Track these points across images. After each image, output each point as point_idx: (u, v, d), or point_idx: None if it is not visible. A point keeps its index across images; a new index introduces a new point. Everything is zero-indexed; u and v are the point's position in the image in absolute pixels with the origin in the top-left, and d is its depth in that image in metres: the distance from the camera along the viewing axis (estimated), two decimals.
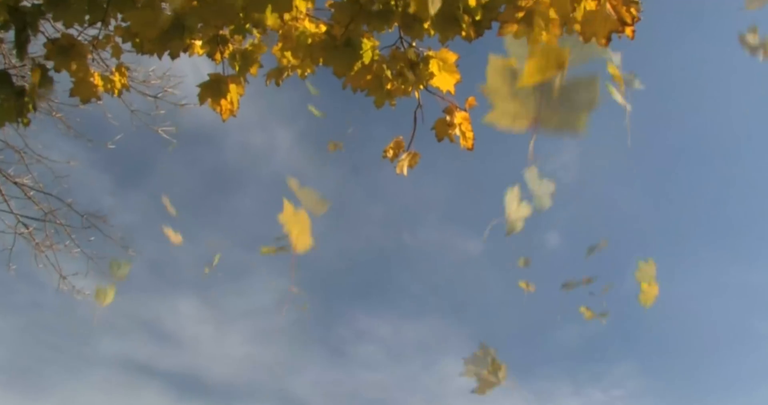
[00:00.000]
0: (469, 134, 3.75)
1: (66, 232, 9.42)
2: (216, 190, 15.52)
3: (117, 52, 4.20)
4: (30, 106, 3.51)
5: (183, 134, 9.67)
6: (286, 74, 4.04)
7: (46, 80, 3.63)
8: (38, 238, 9.31)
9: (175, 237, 4.44)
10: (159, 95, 9.18)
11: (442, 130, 3.75)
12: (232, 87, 3.75)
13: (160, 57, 3.40)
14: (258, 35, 3.84)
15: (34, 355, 13.56)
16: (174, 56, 3.44)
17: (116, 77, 4.04)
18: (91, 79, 3.80)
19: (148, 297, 14.71)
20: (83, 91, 3.82)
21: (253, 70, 3.87)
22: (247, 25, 3.38)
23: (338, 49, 3.52)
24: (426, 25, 3.31)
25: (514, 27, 2.41)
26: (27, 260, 9.35)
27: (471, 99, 3.77)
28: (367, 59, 3.54)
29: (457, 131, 3.73)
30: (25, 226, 9.21)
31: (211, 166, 14.70)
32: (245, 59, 3.83)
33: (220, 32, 3.74)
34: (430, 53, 3.59)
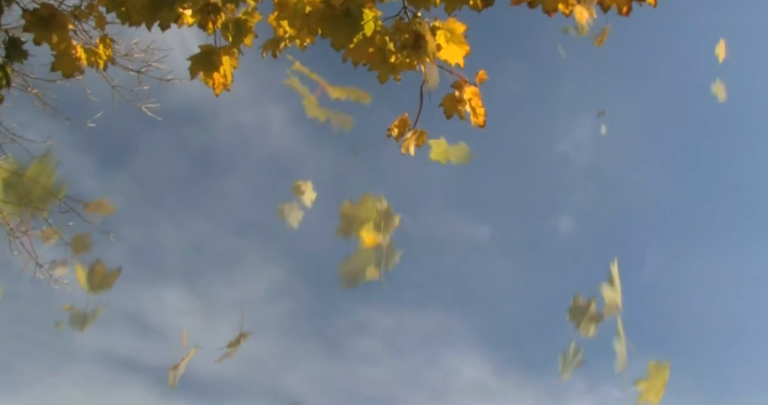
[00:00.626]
0: (480, 110, 3.73)
1: (43, 216, 9.42)
2: (204, 173, 15.52)
3: (101, 22, 4.18)
4: (3, 82, 3.50)
5: (169, 112, 9.66)
6: (283, 45, 4.03)
7: (19, 53, 3.62)
8: (12, 222, 9.32)
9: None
10: (143, 70, 9.15)
11: (451, 106, 3.73)
12: (225, 59, 3.73)
13: (149, 27, 3.40)
14: (252, 3, 3.83)
15: (9, 350, 13.59)
16: (164, 27, 3.44)
17: (100, 49, 4.03)
18: (74, 52, 3.79)
19: (131, 286, 14.72)
20: (65, 65, 3.80)
21: (248, 40, 3.85)
22: None
23: (337, 19, 3.49)
24: None
25: None
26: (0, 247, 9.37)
27: (481, 72, 3.76)
28: (368, 31, 3.52)
29: (467, 107, 3.71)
30: None
31: (199, 147, 14.69)
32: (239, 29, 3.81)
33: (212, 0, 3.72)
34: (437, 24, 3.58)
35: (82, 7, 3.98)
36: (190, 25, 3.83)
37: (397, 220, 3.77)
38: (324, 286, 17.97)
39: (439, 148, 4.00)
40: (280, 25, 3.84)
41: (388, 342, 18.89)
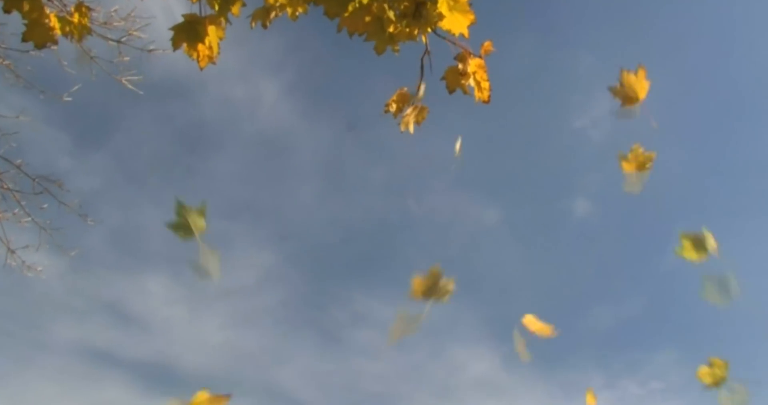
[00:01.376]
0: (485, 84, 3.75)
1: (14, 197, 9.43)
2: (190, 151, 15.54)
3: None
4: None
5: (152, 85, 9.68)
6: (273, 14, 4.03)
7: None
8: None
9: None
10: (123, 39, 9.15)
11: (454, 80, 3.74)
12: (211, 29, 3.72)
13: None
14: None
15: None
16: None
17: (75, 18, 4.02)
18: (47, 20, 3.78)
19: (111, 273, 14.75)
20: (38, 34, 3.80)
21: (235, 9, 3.84)
22: None
23: None
24: None
25: None
26: None
27: (487, 44, 3.77)
28: None
29: (470, 81, 3.73)
30: None
31: (185, 123, 14.70)
32: None
33: None
34: None
35: None
36: None
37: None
38: (320, 273, 18.03)
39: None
40: None
41: (389, 334, 18.95)
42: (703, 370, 3.90)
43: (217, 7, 3.78)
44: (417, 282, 3.45)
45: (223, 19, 3.78)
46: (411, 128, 3.83)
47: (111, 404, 15.71)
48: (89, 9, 4.11)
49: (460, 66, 3.71)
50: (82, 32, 4.04)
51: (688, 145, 19.37)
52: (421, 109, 3.90)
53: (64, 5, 4.37)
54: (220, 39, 3.75)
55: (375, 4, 3.55)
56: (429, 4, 3.53)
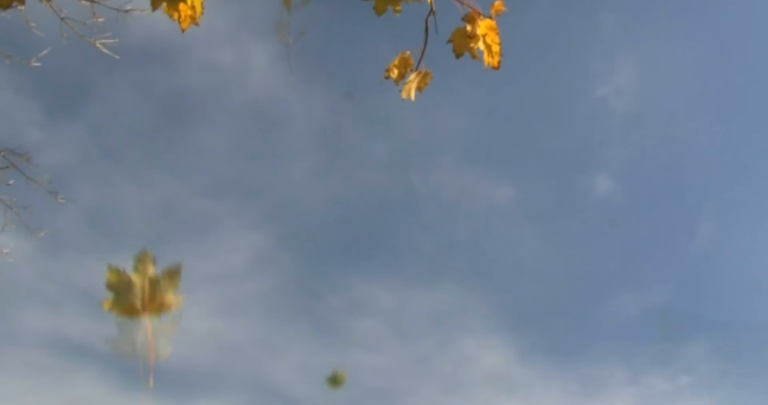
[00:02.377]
0: (496, 48, 3.75)
1: None
2: (173, 122, 15.55)
3: None
4: None
5: (129, 50, 9.65)
6: None
7: None
8: None
9: None
10: None
11: (462, 43, 3.75)
12: None
13: None
14: None
15: None
16: None
17: None
18: None
19: (85, 257, 14.77)
20: None
21: None
22: None
23: None
24: None
25: None
26: None
27: (498, 3, 3.76)
28: None
29: (480, 45, 3.73)
30: None
31: (167, 92, 14.69)
32: None
33: None
34: None
35: None
36: None
37: None
38: (315, 257, 18.05)
39: None
40: None
41: (391, 324, 18.97)
42: None
43: None
44: None
45: None
46: (413, 96, 3.83)
47: (85, 401, 15.78)
48: None
49: (469, 28, 3.72)
50: None
51: (720, 116, 19.35)
52: (425, 75, 3.90)
53: None
54: None
55: None
56: None
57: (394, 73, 3.91)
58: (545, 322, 18.85)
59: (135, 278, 3.20)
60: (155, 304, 3.24)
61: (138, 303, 3.29)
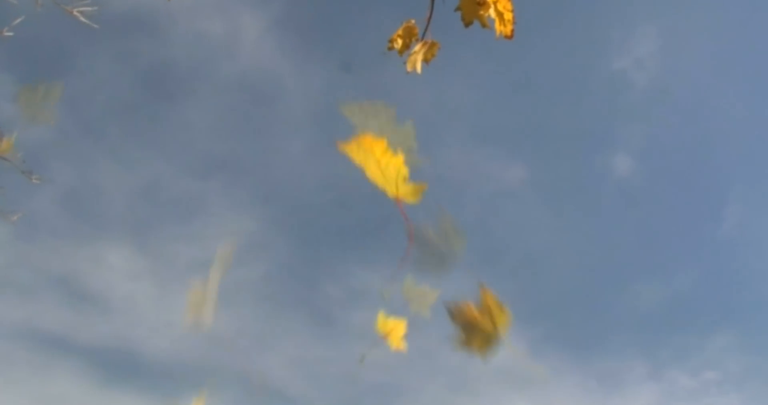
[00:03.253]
0: (508, 16, 3.74)
1: None
2: (157, 97, 15.55)
3: None
4: None
5: (110, 19, 9.64)
6: None
7: None
8: None
9: None
10: None
11: (471, 10, 3.74)
12: None
13: None
14: None
15: None
16: None
17: None
18: None
19: (62, 242, 14.77)
20: None
21: None
22: None
23: None
24: None
25: None
26: None
27: None
28: None
29: (491, 12, 3.72)
30: None
31: (151, 64, 14.66)
32: None
33: None
34: None
35: None
36: None
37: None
38: (311, 242, 18.03)
39: None
40: None
41: (393, 315, 18.95)
42: None
43: None
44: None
45: None
46: (419, 67, 3.83)
47: (62, 398, 15.81)
48: None
49: None
50: None
51: (749, 91, 19.31)
52: (431, 45, 3.90)
53: None
54: None
55: None
56: None
57: (398, 43, 3.91)
58: (559, 313, 18.80)
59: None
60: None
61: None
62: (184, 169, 15.89)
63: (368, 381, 17.47)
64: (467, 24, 3.71)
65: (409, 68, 3.84)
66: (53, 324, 15.36)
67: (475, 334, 3.37)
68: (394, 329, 3.63)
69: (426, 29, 3.90)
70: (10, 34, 9.42)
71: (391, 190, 2.64)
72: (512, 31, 3.72)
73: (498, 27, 3.70)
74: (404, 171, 3.22)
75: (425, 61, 3.88)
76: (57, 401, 15.74)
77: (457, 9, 3.71)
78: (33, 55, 12.44)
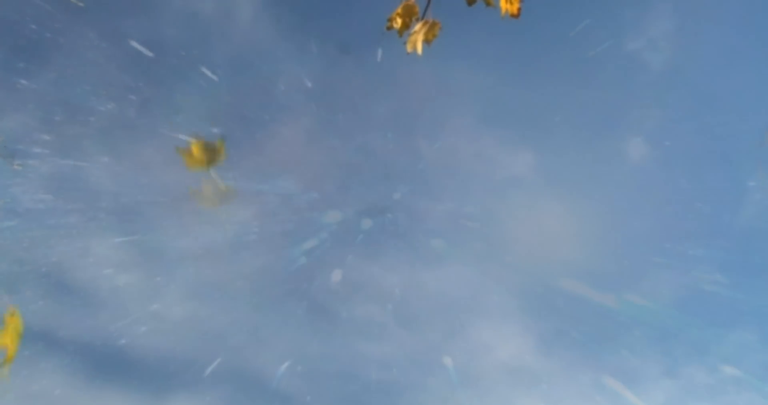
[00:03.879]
0: None
1: None
2: (147, 79, 15.51)
3: None
4: None
5: None
6: None
7: None
8: None
9: None
10: None
11: None
12: None
13: None
14: None
15: None
16: None
17: None
18: None
19: (44, 230, 14.79)
20: None
21: None
22: None
23: None
24: None
25: None
26: None
27: None
28: None
29: None
30: None
31: (141, 44, 14.63)
32: None
33: None
34: None
35: None
36: None
37: None
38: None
39: None
40: None
41: (395, 308, 19.00)
42: None
43: None
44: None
45: None
46: (419, 48, 3.84)
47: (45, 396, 15.85)
48: None
49: None
50: None
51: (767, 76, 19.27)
52: (432, 25, 3.90)
53: None
54: None
55: None
56: None
57: (398, 22, 3.91)
58: (571, 307, 18.82)
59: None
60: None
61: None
62: (176, 158, 15.88)
63: (368, 377, 17.57)
64: (470, 2, 3.72)
65: (409, 49, 3.85)
66: (34, 317, 15.39)
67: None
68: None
69: (427, 8, 3.91)
70: None
71: None
72: (519, 9, 3.72)
73: (504, 5, 3.71)
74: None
75: (426, 41, 3.89)
76: (40, 400, 15.79)
77: None
78: (16, 35, 12.48)
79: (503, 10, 3.74)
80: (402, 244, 18.60)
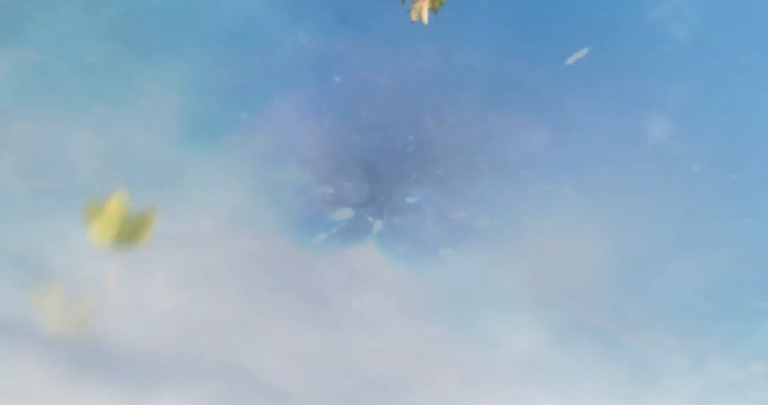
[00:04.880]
0: None
1: None
2: (131, 50, 15.57)
3: None
4: None
5: None
6: None
7: None
8: None
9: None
10: None
11: None
12: None
13: None
14: None
15: None
16: None
17: None
18: None
19: (20, 216, 14.83)
20: None
21: None
22: None
23: None
24: None
25: None
26: None
27: None
28: None
29: None
30: None
31: (124, 14, 14.67)
32: None
33: None
34: None
35: None
36: None
37: None
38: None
39: None
40: None
41: (398, 299, 19.03)
42: None
43: None
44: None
45: None
46: (425, 17, 3.94)
47: (21, 393, 15.91)
48: None
49: None
50: None
51: None
52: None
53: None
54: None
55: None
56: None
57: None
58: (587, 298, 18.87)
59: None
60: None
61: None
62: (162, 133, 15.92)
63: (369, 372, 17.68)
64: None
65: (413, 17, 3.96)
66: (11, 308, 15.45)
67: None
68: None
69: None
70: None
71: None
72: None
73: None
74: None
75: (432, 9, 4.00)
76: (15, 396, 15.87)
77: None
78: None
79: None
80: (404, 227, 18.68)
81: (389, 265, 18.88)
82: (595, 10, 17.16)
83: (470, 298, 18.55)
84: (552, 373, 18.55)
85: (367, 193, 18.87)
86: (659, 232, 19.30)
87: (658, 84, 18.53)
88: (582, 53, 17.27)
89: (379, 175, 18.82)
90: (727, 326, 18.81)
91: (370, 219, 18.85)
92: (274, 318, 17.82)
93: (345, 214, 18.67)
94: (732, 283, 18.86)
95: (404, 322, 18.74)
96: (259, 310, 17.75)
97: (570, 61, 17.28)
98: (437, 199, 18.76)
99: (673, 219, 19.36)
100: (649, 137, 18.68)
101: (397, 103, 17.80)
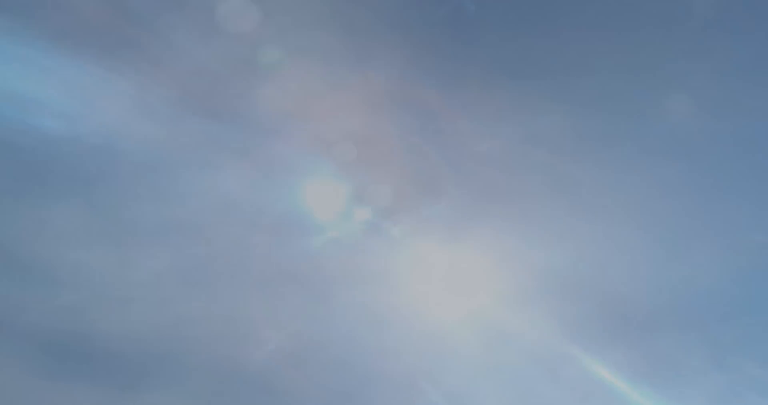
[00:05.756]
0: None
1: None
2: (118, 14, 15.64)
3: None
4: None
5: None
6: None
7: None
8: None
9: None
10: None
11: None
12: None
13: None
14: None
15: None
16: None
17: None
18: None
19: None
20: None
21: None
22: None
23: None
24: None
25: None
26: None
27: None
28: None
29: None
30: None
31: None
32: None
33: None
34: None
35: None
36: None
37: None
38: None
39: None
40: None
41: (400, 290, 19.07)
42: None
43: None
44: None
45: None
46: None
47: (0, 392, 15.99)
48: None
49: None
50: None
51: None
52: None
53: None
54: None
55: None
56: None
57: None
58: (600, 287, 18.86)
59: None
60: None
61: None
62: (152, 107, 15.94)
63: (369, 368, 17.77)
64: None
65: None
66: None
67: None
68: None
69: None
70: None
71: None
72: None
73: None
74: None
75: None
76: None
77: None
78: None
79: None
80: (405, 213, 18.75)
81: (392, 258, 18.94)
82: None
83: (476, 288, 18.59)
84: (561, 369, 18.61)
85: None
86: (677, 218, 19.29)
87: (677, 60, 18.53)
88: None
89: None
90: (751, 321, 18.85)
91: (370, 211, 18.87)
92: (267, 311, 17.88)
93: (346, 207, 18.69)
94: (756, 274, 18.86)
95: (407, 313, 18.78)
96: (251, 302, 17.79)
97: None
98: (436, 179, 18.79)
99: (693, 205, 19.33)
100: (667, 118, 18.69)
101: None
